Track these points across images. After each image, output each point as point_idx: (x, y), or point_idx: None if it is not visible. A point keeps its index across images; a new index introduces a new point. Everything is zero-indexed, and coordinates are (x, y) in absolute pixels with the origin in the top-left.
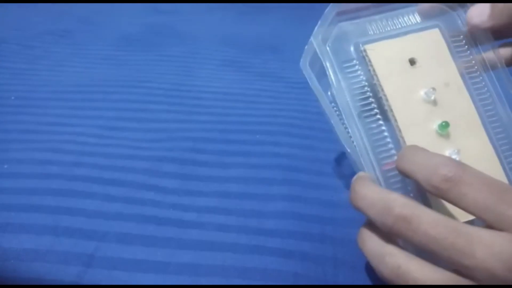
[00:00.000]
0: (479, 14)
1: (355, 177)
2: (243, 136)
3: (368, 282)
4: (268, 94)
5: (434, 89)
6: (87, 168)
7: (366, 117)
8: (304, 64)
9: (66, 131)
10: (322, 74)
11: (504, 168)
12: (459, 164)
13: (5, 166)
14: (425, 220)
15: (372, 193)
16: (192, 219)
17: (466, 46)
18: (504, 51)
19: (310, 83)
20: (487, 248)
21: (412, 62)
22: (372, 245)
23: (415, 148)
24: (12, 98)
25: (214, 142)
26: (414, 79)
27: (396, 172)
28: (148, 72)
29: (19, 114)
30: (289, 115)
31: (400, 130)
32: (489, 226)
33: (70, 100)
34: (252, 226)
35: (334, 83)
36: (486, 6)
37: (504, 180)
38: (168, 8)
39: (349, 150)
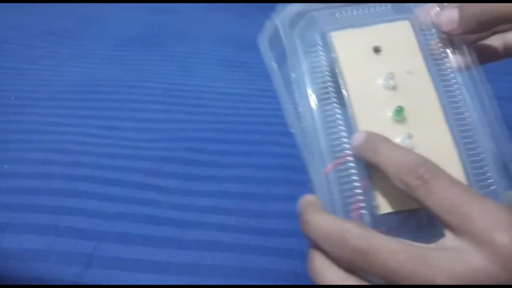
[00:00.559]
0: (448, 21)
1: (302, 202)
2: (243, 136)
3: None
4: (268, 94)
5: (392, 74)
6: (87, 168)
7: (322, 100)
8: (262, 39)
9: (66, 131)
10: (283, 58)
11: (462, 159)
12: (434, 165)
13: (5, 166)
14: (383, 250)
15: (325, 224)
16: (192, 219)
17: (438, 39)
18: (480, 47)
19: (264, 57)
20: (447, 270)
21: (376, 50)
22: (331, 277)
23: (386, 141)
24: (12, 98)
25: (214, 142)
26: (376, 67)
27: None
28: (148, 72)
29: (19, 114)
30: None
31: (354, 115)
32: (451, 229)
33: (70, 100)
34: (252, 226)
35: (295, 64)
36: (455, 12)
37: (460, 170)
38: (168, 8)
39: (293, 131)
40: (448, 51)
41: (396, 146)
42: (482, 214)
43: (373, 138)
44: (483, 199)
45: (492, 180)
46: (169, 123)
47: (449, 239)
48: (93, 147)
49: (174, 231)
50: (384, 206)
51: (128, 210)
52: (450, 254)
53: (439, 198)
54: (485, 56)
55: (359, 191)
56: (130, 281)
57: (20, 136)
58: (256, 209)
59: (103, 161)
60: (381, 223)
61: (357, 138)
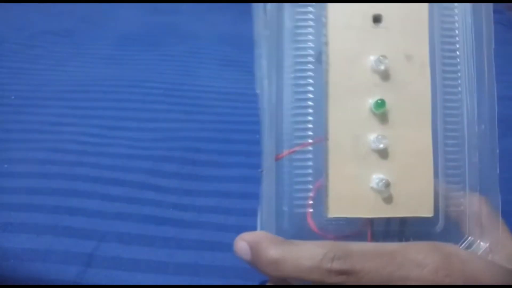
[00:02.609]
0: None
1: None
2: (243, 136)
3: None
4: None
5: (385, 57)
6: (87, 168)
7: (297, 71)
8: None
9: (67, 131)
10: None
11: (436, 169)
12: (341, 247)
13: (5, 166)
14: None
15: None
16: (192, 219)
17: (457, 25)
18: None
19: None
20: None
21: (376, 19)
22: None
23: (280, 245)
24: (13, 97)
25: (214, 142)
26: (370, 41)
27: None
28: (148, 72)
29: (19, 114)
30: None
31: (328, 96)
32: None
33: (70, 100)
34: (252, 226)
35: (274, 22)
36: None
37: (430, 180)
38: (168, 8)
39: (258, 91)
40: (464, 41)
41: (295, 247)
42: (412, 259)
43: (266, 251)
44: (404, 247)
45: (462, 200)
46: (169, 123)
47: None
48: (93, 147)
49: (174, 231)
50: (334, 210)
51: (128, 210)
52: None
53: (370, 276)
54: None
55: (311, 186)
56: (130, 281)
57: (20, 136)
58: (256, 209)
59: (103, 161)
60: (328, 227)
61: (244, 253)
